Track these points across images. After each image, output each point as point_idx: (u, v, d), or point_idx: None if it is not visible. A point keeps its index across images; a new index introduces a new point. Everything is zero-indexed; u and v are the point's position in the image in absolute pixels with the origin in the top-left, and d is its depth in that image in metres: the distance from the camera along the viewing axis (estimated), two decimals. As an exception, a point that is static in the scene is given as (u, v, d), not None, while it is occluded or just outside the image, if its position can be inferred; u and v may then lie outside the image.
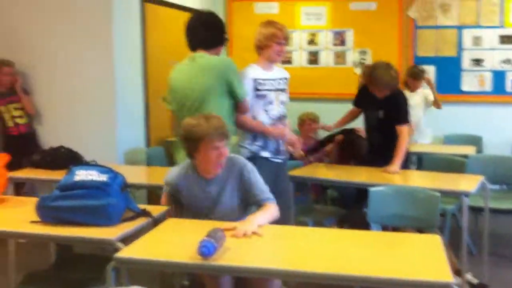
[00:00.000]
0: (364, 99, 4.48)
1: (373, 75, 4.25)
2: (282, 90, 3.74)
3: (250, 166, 2.96)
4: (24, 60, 5.21)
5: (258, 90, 3.59)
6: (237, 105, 3.50)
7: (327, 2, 6.56)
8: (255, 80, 3.58)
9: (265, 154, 3.62)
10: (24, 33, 5.21)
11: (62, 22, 5.10)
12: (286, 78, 3.79)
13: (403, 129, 4.17)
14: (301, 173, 4.19)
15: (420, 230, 3.38)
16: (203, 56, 3.45)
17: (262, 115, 3.61)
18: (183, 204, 2.95)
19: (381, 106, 4.28)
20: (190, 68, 3.45)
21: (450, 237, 4.21)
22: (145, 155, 5.19)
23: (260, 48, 3.64)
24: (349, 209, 4.53)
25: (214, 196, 2.89)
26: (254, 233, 2.53)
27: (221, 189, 2.90)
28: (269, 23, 3.63)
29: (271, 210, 2.82)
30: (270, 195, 2.90)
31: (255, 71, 3.61)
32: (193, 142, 2.80)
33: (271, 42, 3.58)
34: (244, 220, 2.65)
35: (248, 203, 2.94)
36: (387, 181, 3.81)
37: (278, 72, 3.75)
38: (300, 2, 6.62)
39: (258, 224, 2.61)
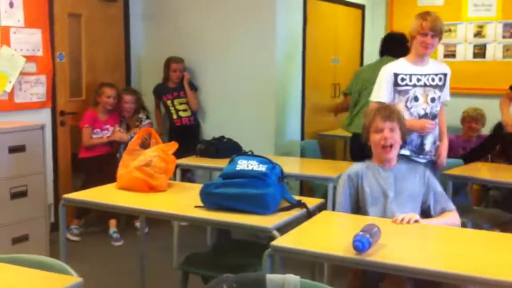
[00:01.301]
0: None
1: None
2: (436, 86, 3.49)
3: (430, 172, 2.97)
4: (193, 56, 5.50)
5: (398, 85, 3.44)
6: None
7: (498, -7, 6.15)
8: (395, 74, 3.44)
9: (405, 152, 3.38)
10: (193, 31, 5.51)
11: (227, 20, 5.33)
12: (444, 74, 3.53)
13: None
14: (461, 172, 3.98)
15: None
16: (384, 60, 4.25)
17: (403, 112, 3.31)
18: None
19: None
20: (375, 65, 4.32)
21: None
22: (299, 147, 5.30)
23: (410, 41, 3.51)
24: (513, 212, 4.25)
25: (391, 183, 2.85)
26: (416, 221, 2.58)
27: (398, 180, 2.86)
28: (420, 14, 3.44)
29: (453, 216, 2.83)
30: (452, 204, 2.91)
31: (398, 66, 3.48)
32: (366, 129, 2.91)
33: (416, 33, 3.41)
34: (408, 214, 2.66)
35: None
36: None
37: (433, 67, 3.52)
38: (468, -8, 6.27)
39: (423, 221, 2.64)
